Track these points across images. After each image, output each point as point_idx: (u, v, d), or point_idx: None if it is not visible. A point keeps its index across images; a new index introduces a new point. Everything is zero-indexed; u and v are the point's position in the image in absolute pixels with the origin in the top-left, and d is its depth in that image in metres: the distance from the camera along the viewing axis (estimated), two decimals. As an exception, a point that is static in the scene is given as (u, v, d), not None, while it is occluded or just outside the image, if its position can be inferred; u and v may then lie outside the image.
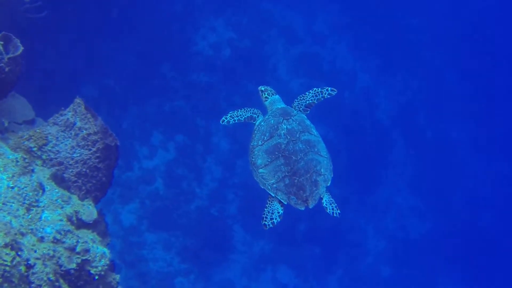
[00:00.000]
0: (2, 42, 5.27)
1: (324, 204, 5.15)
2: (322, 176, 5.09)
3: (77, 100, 5.60)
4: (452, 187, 17.88)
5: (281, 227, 14.87)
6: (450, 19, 19.17)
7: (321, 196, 5.13)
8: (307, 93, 5.74)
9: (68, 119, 5.52)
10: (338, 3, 17.92)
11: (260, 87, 5.82)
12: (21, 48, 5.54)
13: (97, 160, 5.51)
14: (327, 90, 5.79)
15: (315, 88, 5.82)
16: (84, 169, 5.42)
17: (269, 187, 5.03)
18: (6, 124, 6.77)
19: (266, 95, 5.71)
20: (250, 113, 5.60)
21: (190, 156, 14.70)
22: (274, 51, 16.50)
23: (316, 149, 5.13)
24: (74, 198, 4.96)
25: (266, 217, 5.12)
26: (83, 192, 5.43)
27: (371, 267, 16.14)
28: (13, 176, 4.64)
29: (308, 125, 5.31)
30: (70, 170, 5.39)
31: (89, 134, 5.48)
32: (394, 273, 16.36)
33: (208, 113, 15.06)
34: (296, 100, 5.76)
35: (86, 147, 5.45)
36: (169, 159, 14.52)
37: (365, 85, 17.50)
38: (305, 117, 5.49)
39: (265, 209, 5.14)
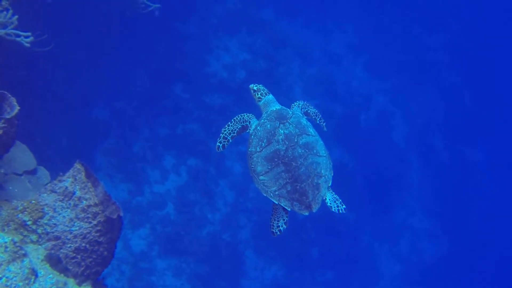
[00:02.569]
0: (-7, 106, 4.65)
1: (329, 204, 5.02)
2: (323, 177, 4.98)
3: (77, 165, 4.97)
4: (469, 209, 17.22)
5: (293, 251, 14.40)
6: (467, 38, 18.49)
7: (324, 198, 5.01)
8: (311, 107, 5.71)
9: (67, 187, 4.89)
10: (353, 23, 17.32)
11: (252, 85, 5.57)
12: (17, 108, 4.93)
13: (98, 234, 4.86)
14: (323, 122, 5.83)
15: (318, 112, 5.83)
16: (83, 244, 4.78)
17: (271, 195, 4.94)
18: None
19: (259, 95, 5.49)
20: (241, 123, 5.37)
21: (202, 180, 14.08)
22: (289, 72, 15.88)
23: (315, 151, 5.01)
24: (71, 283, 4.33)
25: (272, 225, 5.02)
26: (82, 268, 4.80)
27: (386, 293, 15.50)
28: (1, 264, 4.02)
29: (304, 125, 5.13)
30: (68, 246, 4.75)
31: (89, 206, 4.83)
32: (409, 298, 15.69)
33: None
34: (302, 102, 5.67)
35: (86, 219, 4.81)
36: (180, 183, 13.91)
37: (380, 106, 16.86)
38: (301, 115, 5.31)
39: (271, 217, 5.07)
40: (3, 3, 7.29)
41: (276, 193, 4.88)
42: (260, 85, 5.58)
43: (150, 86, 14.27)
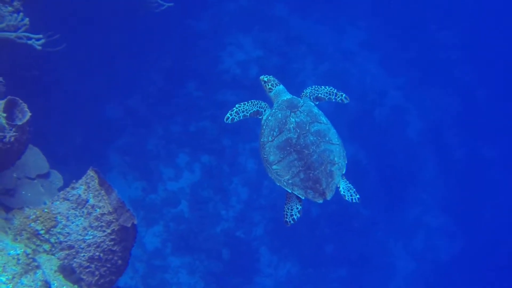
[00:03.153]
0: (5, 114, 4.52)
1: (342, 192, 4.95)
2: (337, 165, 4.91)
3: (90, 172, 4.84)
4: (484, 206, 16.90)
5: (307, 248, 14.26)
6: (482, 35, 18.16)
7: (338, 186, 4.94)
8: (322, 87, 5.61)
9: (80, 195, 4.77)
10: (367, 19, 17.06)
11: (262, 76, 5.56)
12: (29, 114, 4.82)
13: (112, 243, 4.74)
14: (341, 95, 5.67)
15: (332, 88, 5.67)
16: (97, 253, 4.67)
17: (285, 184, 4.86)
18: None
19: (270, 86, 5.44)
20: (257, 107, 5.34)
21: (216, 177, 13.97)
22: (303, 69, 15.68)
23: (327, 138, 4.97)
24: (84, 294, 4.21)
25: (286, 214, 4.94)
26: (96, 278, 4.69)
27: (400, 290, 15.30)
28: (13, 277, 3.93)
29: (316, 113, 5.13)
30: (82, 255, 4.65)
31: (103, 214, 4.71)
32: (424, 296, 15.47)
33: (235, 133, 14.28)
34: (309, 88, 5.60)
35: (99, 228, 4.69)
36: (194, 180, 13.80)
37: (395, 102, 16.60)
38: (312, 104, 5.30)
39: (285, 206, 4.99)
40: (15, 3, 7.17)
41: (290, 181, 4.82)
42: (271, 76, 5.54)
43: (163, 84, 14.17)
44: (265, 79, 5.50)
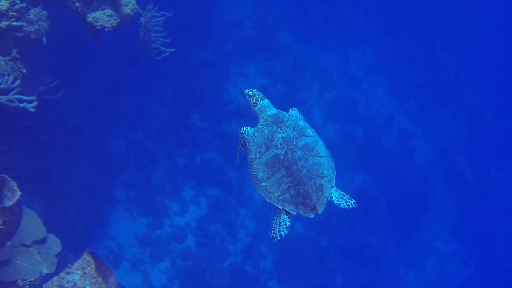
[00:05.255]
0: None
1: (336, 202, 4.81)
2: (326, 177, 4.79)
3: (87, 257, 4.30)
4: (495, 231, 16.44)
5: (317, 279, 13.72)
6: (488, 57, 17.71)
7: (330, 197, 4.80)
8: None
9: (75, 283, 4.22)
10: (372, 44, 16.61)
11: (247, 90, 5.41)
12: (19, 193, 4.29)
13: (111, 336, 4.19)
14: None
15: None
16: None
17: (275, 200, 4.76)
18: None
19: (254, 100, 5.32)
20: (242, 140, 5.37)
21: (222, 210, 13.46)
22: (309, 96, 15.19)
23: (315, 151, 4.85)
24: None
25: (274, 230, 4.83)
26: None
27: (413, 318, 14.82)
28: None
29: (302, 127, 4.98)
30: None
31: (100, 305, 4.16)
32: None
33: (241, 164, 13.75)
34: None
35: (97, 320, 4.14)
36: (200, 214, 13.29)
37: (402, 127, 16.13)
38: (298, 117, 5.25)
39: (273, 222, 4.88)
40: (13, 52, 6.70)
41: (280, 198, 4.73)
42: (255, 90, 5.40)
43: (167, 116, 13.69)
44: (250, 93, 5.38)
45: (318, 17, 16.29)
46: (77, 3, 6.96)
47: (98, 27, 7.03)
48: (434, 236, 15.81)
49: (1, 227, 4.15)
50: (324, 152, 4.93)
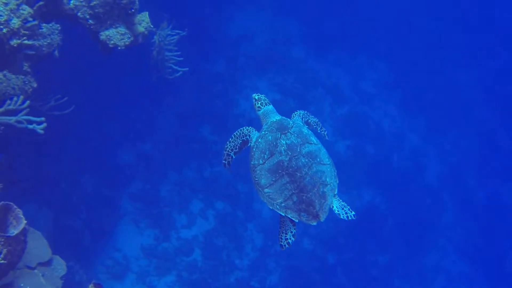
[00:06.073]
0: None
1: (336, 211, 4.78)
2: (329, 185, 4.78)
3: (91, 289, 4.18)
4: (504, 251, 16.19)
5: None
6: (501, 75, 17.55)
7: (331, 206, 4.78)
8: (312, 116, 5.57)
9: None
10: (385, 61, 16.49)
11: (254, 95, 5.46)
12: (24, 222, 4.17)
13: None
14: (324, 131, 5.62)
15: (319, 121, 5.62)
16: None
17: (277, 207, 4.72)
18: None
19: (259, 104, 5.39)
20: (241, 138, 5.30)
21: (230, 224, 13.32)
22: (320, 112, 15.07)
23: (318, 159, 4.83)
24: None
25: (281, 238, 4.86)
26: None
27: None
28: None
29: (306, 134, 4.98)
30: None
31: None
32: None
33: (250, 178, 13.63)
34: (301, 111, 5.50)
35: None
36: (208, 228, 13.15)
37: (413, 145, 16.02)
38: (302, 124, 5.18)
39: (279, 230, 4.88)
40: (25, 66, 6.62)
41: (283, 205, 4.70)
42: (262, 95, 5.44)
43: (177, 128, 13.61)
44: (256, 97, 5.42)
45: (330, 33, 16.23)
46: (90, 21, 6.86)
47: (111, 46, 6.93)
48: (443, 256, 15.62)
49: (4, 260, 4.02)
50: (327, 160, 4.93)
